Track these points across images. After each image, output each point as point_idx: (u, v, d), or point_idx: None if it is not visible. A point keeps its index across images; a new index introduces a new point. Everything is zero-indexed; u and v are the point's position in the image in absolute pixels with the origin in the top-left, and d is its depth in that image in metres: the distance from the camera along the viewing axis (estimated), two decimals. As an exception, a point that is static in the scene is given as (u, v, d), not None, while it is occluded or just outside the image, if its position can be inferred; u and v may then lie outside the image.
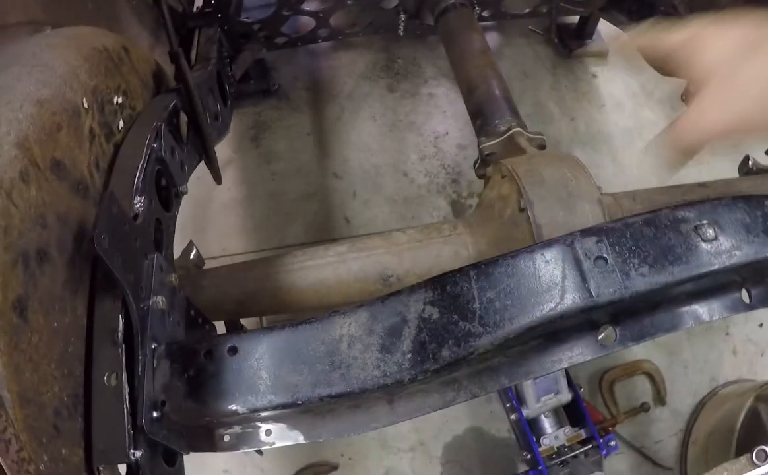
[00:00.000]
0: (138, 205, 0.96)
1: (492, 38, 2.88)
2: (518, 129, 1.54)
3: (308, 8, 2.06)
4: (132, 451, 0.79)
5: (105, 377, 0.80)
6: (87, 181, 0.92)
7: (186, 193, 1.28)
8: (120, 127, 1.10)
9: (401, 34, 2.20)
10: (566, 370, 1.90)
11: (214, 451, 0.92)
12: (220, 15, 1.93)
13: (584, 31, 2.85)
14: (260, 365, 0.88)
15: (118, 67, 1.18)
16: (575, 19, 2.84)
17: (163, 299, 0.92)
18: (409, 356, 0.85)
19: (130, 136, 1.09)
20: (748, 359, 2.26)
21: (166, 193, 1.17)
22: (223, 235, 2.26)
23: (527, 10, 2.32)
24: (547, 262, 0.83)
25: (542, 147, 1.57)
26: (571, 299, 0.81)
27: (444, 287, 0.86)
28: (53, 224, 0.80)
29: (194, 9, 1.98)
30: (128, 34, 1.62)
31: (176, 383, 0.86)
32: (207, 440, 0.92)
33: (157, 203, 1.08)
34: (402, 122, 2.60)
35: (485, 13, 2.28)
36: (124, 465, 0.80)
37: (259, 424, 0.93)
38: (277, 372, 0.88)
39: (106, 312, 0.84)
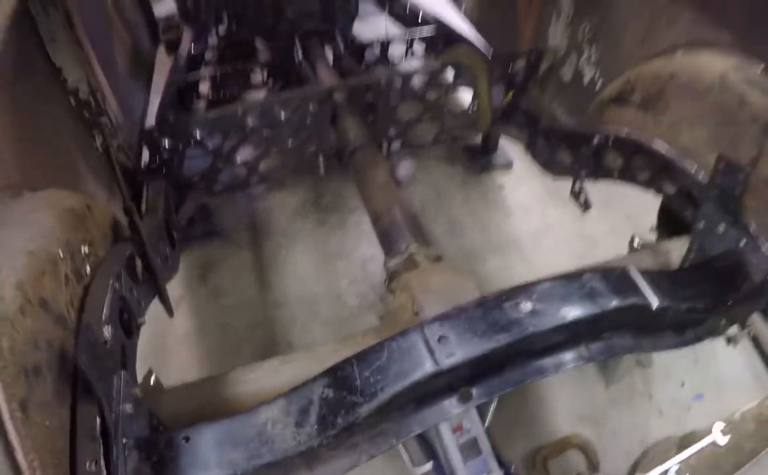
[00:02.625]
0: (107, 333, 1.30)
1: (408, 166, 3.39)
2: (415, 249, 1.95)
3: (240, 159, 2.51)
4: None
5: (87, 464, 1.08)
6: (65, 316, 1.23)
7: (144, 323, 1.64)
8: (87, 272, 1.43)
9: (322, 173, 2.64)
10: (496, 451, 2.21)
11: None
12: (165, 170, 2.34)
13: (488, 148, 3.39)
14: (208, 448, 1.23)
15: (83, 222, 1.53)
16: (479, 138, 3.37)
17: (130, 406, 1.25)
18: (316, 426, 1.22)
19: (97, 279, 1.43)
20: (675, 416, 2.51)
21: (127, 324, 1.51)
22: (180, 365, 2.55)
23: (430, 139, 2.82)
24: (405, 345, 1.24)
25: (438, 258, 1.99)
26: (423, 369, 1.20)
27: (336, 372, 1.25)
28: (44, 347, 1.09)
29: (142, 165, 2.38)
30: (87, 190, 2.00)
31: (144, 467, 1.19)
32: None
33: (121, 332, 1.42)
34: (333, 252, 3.02)
35: (394, 147, 2.77)
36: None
37: (212, 498, 1.26)
38: (221, 452, 1.23)
39: (86, 415, 1.13)
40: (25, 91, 1.77)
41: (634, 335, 1.50)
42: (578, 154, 2.39)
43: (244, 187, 2.68)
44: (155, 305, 1.84)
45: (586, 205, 2.46)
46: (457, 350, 1.22)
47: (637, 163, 2.16)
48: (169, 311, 1.96)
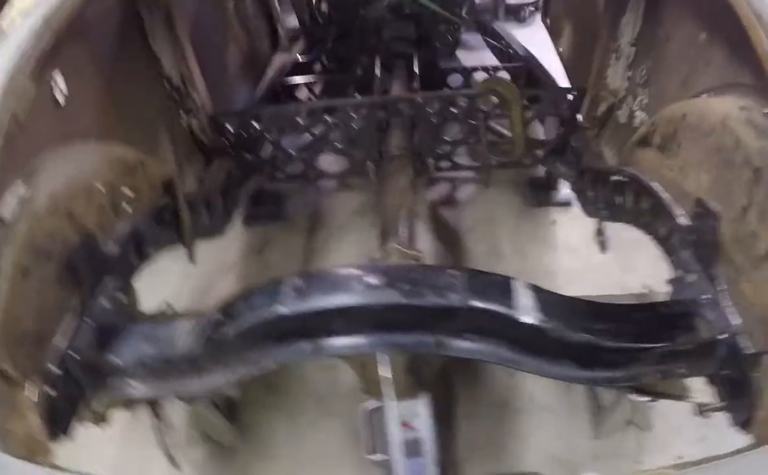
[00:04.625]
0: (112, 248, 1.91)
1: (469, 188, 3.72)
2: (396, 247, 2.20)
3: (296, 154, 3.01)
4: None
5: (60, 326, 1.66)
6: (89, 231, 1.82)
7: (152, 256, 2.22)
8: (123, 209, 2.04)
9: (373, 178, 3.00)
10: (446, 462, 2.39)
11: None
12: (233, 151, 2.93)
13: (549, 183, 3.57)
14: (136, 339, 1.74)
15: (133, 172, 2.14)
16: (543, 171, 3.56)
17: (107, 301, 1.81)
18: (201, 340, 1.65)
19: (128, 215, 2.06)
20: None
21: (137, 251, 2.12)
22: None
23: (475, 164, 3.11)
24: (266, 289, 1.64)
25: (417, 259, 2.27)
26: (274, 310, 1.56)
27: (226, 305, 1.69)
28: (59, 241, 1.67)
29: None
30: (162, 155, 2.59)
31: (92, 340, 1.70)
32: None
33: (130, 252, 2.04)
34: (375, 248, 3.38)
35: (442, 164, 3.11)
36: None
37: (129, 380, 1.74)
38: (140, 343, 1.72)
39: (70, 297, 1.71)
40: (125, 69, 2.41)
41: (514, 349, 1.63)
42: (601, 193, 2.54)
43: (302, 179, 3.19)
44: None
45: (602, 246, 2.61)
46: (304, 301, 1.57)
47: (642, 206, 2.23)
48: (191, 258, 2.51)
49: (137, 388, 1.73)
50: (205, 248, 2.73)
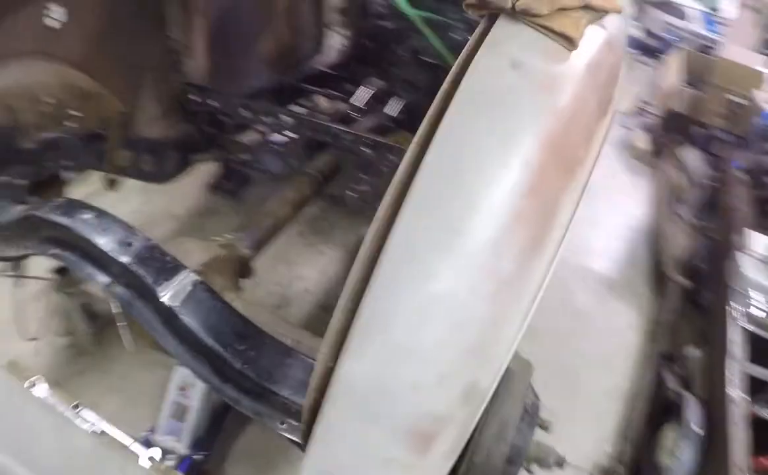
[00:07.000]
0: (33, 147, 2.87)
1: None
2: (227, 238, 3.01)
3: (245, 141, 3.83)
4: None
5: None
6: (18, 120, 2.74)
7: (71, 169, 3.18)
8: (65, 124, 2.95)
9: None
10: (206, 437, 2.90)
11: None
12: (197, 123, 3.76)
13: None
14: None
15: (85, 98, 2.95)
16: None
17: None
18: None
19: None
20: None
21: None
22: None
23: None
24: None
25: (233, 248, 2.96)
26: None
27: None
28: None
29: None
30: (135, 98, 3.39)
31: None
32: None
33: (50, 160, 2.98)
34: (281, 254, 4.11)
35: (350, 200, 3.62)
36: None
37: None
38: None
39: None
40: (131, 15, 3.10)
41: (160, 322, 2.01)
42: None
43: (247, 167, 3.94)
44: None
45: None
46: (46, 213, 2.32)
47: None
48: (109, 187, 3.41)
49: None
50: (165, 195, 3.68)
